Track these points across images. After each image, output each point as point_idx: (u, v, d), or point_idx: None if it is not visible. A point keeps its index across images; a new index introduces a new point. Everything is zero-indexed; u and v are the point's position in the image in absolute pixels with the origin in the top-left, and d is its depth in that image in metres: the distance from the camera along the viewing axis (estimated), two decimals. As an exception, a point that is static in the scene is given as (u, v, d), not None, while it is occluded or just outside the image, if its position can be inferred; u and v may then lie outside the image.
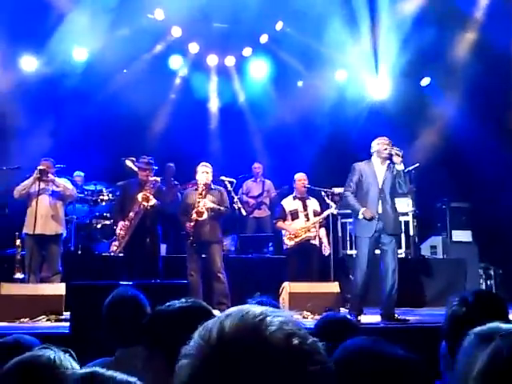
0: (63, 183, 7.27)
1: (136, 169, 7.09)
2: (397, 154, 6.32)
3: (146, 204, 6.84)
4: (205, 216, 6.95)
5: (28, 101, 9.44)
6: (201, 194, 7.04)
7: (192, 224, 6.96)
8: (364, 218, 6.30)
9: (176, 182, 9.62)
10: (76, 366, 1.67)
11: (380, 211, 6.37)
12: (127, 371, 2.63)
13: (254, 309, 0.85)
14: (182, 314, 1.94)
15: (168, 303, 2.03)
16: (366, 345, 1.59)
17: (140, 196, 6.85)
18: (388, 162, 6.45)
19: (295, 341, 0.81)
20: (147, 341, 1.97)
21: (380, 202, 6.39)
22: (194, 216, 6.95)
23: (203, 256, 7.13)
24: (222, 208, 7.15)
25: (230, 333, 0.82)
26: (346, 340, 1.65)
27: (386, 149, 6.37)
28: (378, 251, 6.65)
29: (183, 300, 2.03)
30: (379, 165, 6.48)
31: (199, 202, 7.00)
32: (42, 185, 7.06)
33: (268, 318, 0.83)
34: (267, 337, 0.80)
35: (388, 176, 6.42)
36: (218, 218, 7.20)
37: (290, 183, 8.14)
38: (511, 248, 9.22)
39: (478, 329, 1.26)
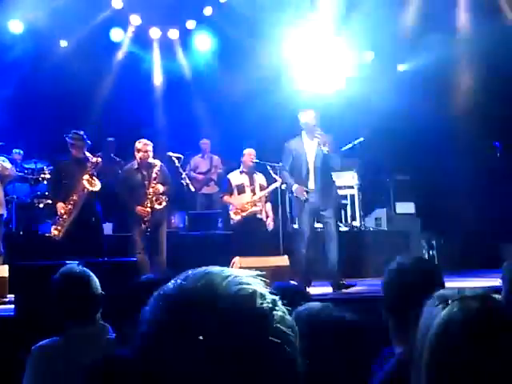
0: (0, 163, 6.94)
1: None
2: (318, 137, 6.36)
3: (90, 188, 6.67)
4: (163, 204, 6.84)
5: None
6: (155, 179, 6.82)
7: (148, 210, 6.78)
8: (302, 198, 6.43)
9: (118, 159, 9.39)
10: None
11: (313, 186, 6.47)
12: (78, 350, 2.58)
13: (212, 269, 0.83)
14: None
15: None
16: (317, 310, 1.63)
17: (85, 180, 6.65)
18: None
19: (258, 300, 0.79)
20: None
21: (312, 177, 6.50)
22: (156, 205, 6.78)
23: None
24: (168, 187, 6.99)
25: (191, 292, 0.80)
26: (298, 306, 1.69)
27: (311, 127, 6.42)
28: (319, 225, 6.82)
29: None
30: (309, 140, 6.55)
31: (153, 187, 6.80)
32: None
33: (229, 278, 0.81)
34: (229, 296, 0.78)
35: (320, 151, 6.47)
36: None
37: (238, 158, 8.10)
38: (452, 219, 9.49)
39: (440, 292, 1.28)
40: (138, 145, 7.04)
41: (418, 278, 2.06)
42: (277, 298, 0.83)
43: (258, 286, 0.82)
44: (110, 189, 7.45)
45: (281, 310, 0.82)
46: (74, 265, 2.95)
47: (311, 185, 6.49)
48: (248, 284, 0.81)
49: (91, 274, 2.82)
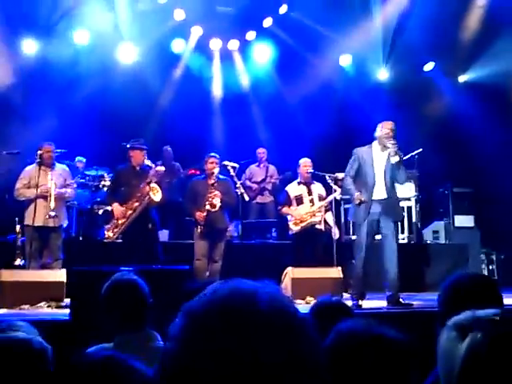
0: (65, 195, 7.18)
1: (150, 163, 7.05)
2: (391, 146, 6.24)
3: (153, 197, 6.82)
4: (217, 207, 7.08)
5: (30, 85, 9.40)
6: (213, 186, 7.11)
7: (204, 214, 7.04)
8: (356, 203, 6.33)
9: (177, 164, 9.63)
10: None
11: (378, 197, 6.35)
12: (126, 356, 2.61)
13: (242, 284, 0.84)
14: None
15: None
16: (358, 327, 1.59)
17: (150, 188, 6.81)
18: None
19: (285, 316, 0.80)
20: None
21: (379, 187, 6.36)
22: (208, 207, 7.05)
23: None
24: (229, 200, 7.28)
25: (217, 307, 0.80)
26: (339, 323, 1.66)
27: (384, 138, 6.30)
28: (378, 236, 6.67)
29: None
30: (379, 151, 6.43)
31: (212, 192, 7.06)
32: (43, 177, 6.97)
33: (257, 294, 0.81)
34: (257, 311, 0.79)
35: (389, 163, 6.36)
36: (225, 208, 7.32)
37: (294, 168, 8.10)
38: (514, 233, 9.19)
39: (453, 319, 1.24)
40: (208, 158, 7.32)
41: (475, 294, 2.02)
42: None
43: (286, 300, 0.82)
44: (167, 196, 7.64)
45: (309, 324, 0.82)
46: (124, 272, 3.00)
47: (377, 195, 6.36)
48: (278, 301, 0.81)
49: (141, 281, 2.85)
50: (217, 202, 7.07)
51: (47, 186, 6.89)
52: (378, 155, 6.43)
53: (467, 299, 1.96)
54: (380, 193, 6.37)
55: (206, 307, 0.81)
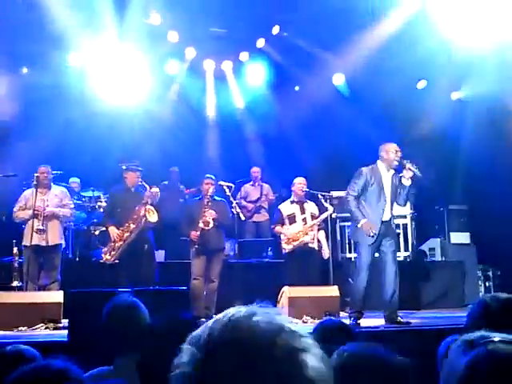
0: (62, 214, 7.17)
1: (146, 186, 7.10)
2: (410, 169, 6.22)
3: (149, 219, 6.86)
4: (211, 225, 7.12)
5: (23, 107, 9.42)
6: (207, 205, 7.15)
7: (198, 233, 7.08)
8: (368, 234, 6.22)
9: (182, 187, 9.70)
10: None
11: (384, 218, 6.34)
12: (126, 380, 2.62)
13: (240, 310, 0.86)
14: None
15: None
16: (360, 351, 1.60)
17: (146, 209, 6.85)
18: (394, 170, 6.40)
19: (283, 336, 0.81)
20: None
21: (388, 209, 6.37)
22: (201, 225, 7.09)
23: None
24: (224, 220, 7.35)
25: (218, 335, 0.82)
26: (342, 345, 1.67)
27: (395, 158, 6.29)
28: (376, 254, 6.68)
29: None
30: (385, 171, 6.42)
31: (205, 211, 7.11)
32: (40, 199, 7.00)
33: (255, 318, 0.83)
34: (253, 335, 0.80)
35: (393, 184, 6.38)
36: (221, 227, 7.38)
37: (289, 187, 8.14)
38: (509, 249, 9.21)
39: (464, 335, 1.27)
40: (204, 180, 7.39)
41: (505, 316, 2.03)
42: (310, 341, 0.84)
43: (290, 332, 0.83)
44: (170, 216, 7.70)
45: (314, 355, 0.83)
46: (124, 295, 3.00)
47: (386, 217, 6.33)
48: (280, 332, 0.82)
49: (140, 305, 2.86)
50: (210, 219, 7.10)
51: (38, 205, 6.91)
52: (385, 175, 6.40)
53: (496, 320, 1.97)
54: (386, 214, 6.37)
55: (207, 345, 0.83)
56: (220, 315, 0.87)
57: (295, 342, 0.82)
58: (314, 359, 0.82)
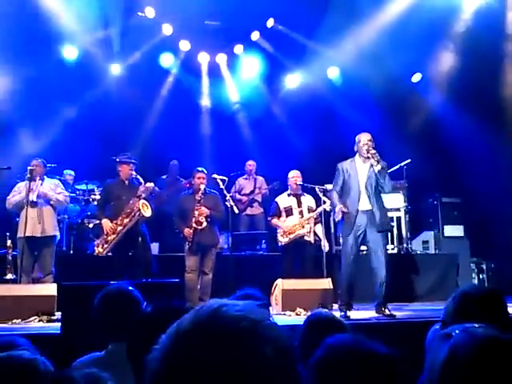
0: (55, 197, 7.13)
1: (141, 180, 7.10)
2: (372, 157, 6.36)
3: (144, 213, 6.86)
4: (204, 225, 7.17)
5: (17, 100, 9.40)
6: (199, 202, 7.17)
7: (191, 231, 7.13)
8: (339, 216, 6.43)
9: (182, 179, 9.70)
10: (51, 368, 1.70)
11: (363, 208, 6.43)
12: (118, 365, 2.63)
13: (208, 304, 0.89)
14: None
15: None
16: (346, 342, 1.61)
17: (140, 203, 6.85)
18: (370, 160, 6.48)
19: (244, 323, 0.84)
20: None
21: (363, 199, 6.46)
22: (194, 225, 7.13)
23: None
24: (217, 214, 7.36)
25: (185, 325, 0.86)
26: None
27: (364, 149, 6.42)
28: (364, 247, 6.76)
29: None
30: (361, 163, 6.54)
31: (198, 209, 7.14)
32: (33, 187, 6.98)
33: (224, 308, 0.86)
34: (217, 324, 0.84)
35: (371, 173, 6.47)
36: (214, 222, 7.40)
37: (282, 180, 8.14)
38: (502, 242, 9.26)
39: (448, 328, 1.29)
40: (196, 173, 7.39)
41: (482, 307, 2.06)
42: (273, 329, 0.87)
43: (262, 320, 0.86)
44: (165, 209, 7.69)
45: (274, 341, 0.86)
46: (121, 283, 3.01)
47: (362, 206, 6.44)
48: (242, 321, 0.85)
49: (135, 292, 2.87)
50: (203, 220, 7.15)
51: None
52: (361, 167, 6.54)
53: (473, 311, 2.00)
54: (365, 204, 6.45)
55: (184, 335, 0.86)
56: (202, 309, 0.90)
57: (257, 330, 0.84)
58: (273, 347, 0.85)
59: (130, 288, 2.90)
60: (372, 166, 6.43)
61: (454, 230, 9.56)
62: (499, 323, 1.60)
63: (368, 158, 6.42)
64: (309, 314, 5.85)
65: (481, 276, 9.36)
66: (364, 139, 6.49)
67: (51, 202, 7.11)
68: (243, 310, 0.86)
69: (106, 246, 6.88)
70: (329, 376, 1.49)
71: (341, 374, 1.47)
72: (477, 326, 1.17)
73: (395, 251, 9.13)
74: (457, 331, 1.16)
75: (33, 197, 6.84)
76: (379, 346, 1.60)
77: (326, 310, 5.88)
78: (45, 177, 7.21)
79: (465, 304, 2.12)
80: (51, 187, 7.17)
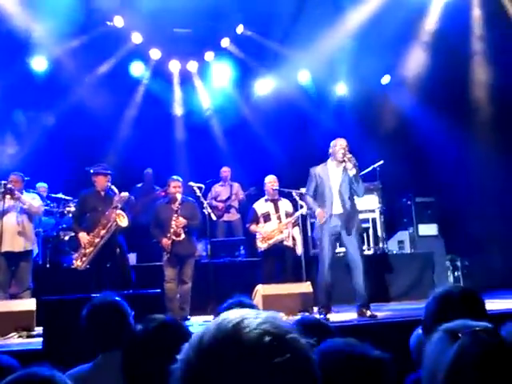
0: (29, 201, 7.06)
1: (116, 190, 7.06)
2: (349, 160, 6.45)
3: (120, 224, 6.82)
4: (182, 236, 7.19)
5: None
6: (176, 212, 7.16)
7: (169, 242, 7.14)
8: (322, 221, 6.52)
9: (157, 188, 9.65)
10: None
11: (336, 211, 6.53)
12: (108, 376, 2.62)
13: (230, 315, 0.89)
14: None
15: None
16: (339, 347, 1.63)
17: (116, 214, 6.81)
18: (343, 164, 6.57)
19: (267, 338, 0.84)
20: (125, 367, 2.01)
21: (336, 203, 6.57)
22: (172, 237, 7.13)
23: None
24: (194, 222, 7.35)
25: (208, 339, 0.86)
26: (320, 342, 1.69)
27: (340, 152, 6.50)
28: (341, 249, 6.84)
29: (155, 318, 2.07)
30: (334, 167, 6.63)
31: (175, 220, 7.14)
32: (9, 202, 6.92)
33: (245, 321, 0.87)
34: (241, 339, 0.84)
35: (345, 177, 6.56)
36: (192, 231, 7.42)
37: (258, 185, 8.16)
38: (475, 238, 9.42)
39: (445, 325, 1.32)
40: (171, 182, 7.37)
41: (462, 307, 2.09)
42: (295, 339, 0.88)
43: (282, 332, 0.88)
44: (144, 219, 7.66)
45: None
46: (107, 294, 3.01)
47: (335, 210, 6.53)
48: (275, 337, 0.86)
49: (123, 303, 2.87)
50: (181, 232, 7.17)
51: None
52: (334, 171, 6.64)
53: (454, 311, 2.04)
54: (337, 208, 6.56)
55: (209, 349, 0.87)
56: (212, 322, 0.91)
57: (281, 345, 0.85)
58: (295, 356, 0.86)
59: (118, 299, 2.90)
60: (346, 170, 6.52)
61: (428, 229, 9.69)
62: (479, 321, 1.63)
63: (342, 161, 6.51)
64: (291, 318, 5.89)
65: (456, 273, 9.50)
66: (340, 144, 6.58)
67: (33, 210, 7.05)
68: (266, 323, 0.87)
69: (84, 258, 6.82)
70: (324, 382, 1.51)
71: (336, 380, 1.49)
72: (480, 325, 1.20)
73: (371, 252, 9.21)
74: (461, 332, 1.18)
75: (15, 208, 6.79)
76: (371, 349, 1.63)
77: (309, 314, 5.95)
78: (23, 191, 7.14)
79: (446, 304, 2.17)
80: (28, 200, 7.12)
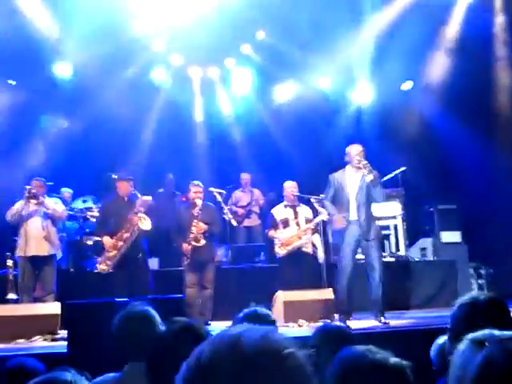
0: (52, 206, 7.15)
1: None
2: (364, 167, 6.44)
3: (142, 227, 6.89)
4: (202, 242, 7.21)
5: (12, 118, 9.41)
6: (196, 218, 7.19)
7: (189, 247, 7.18)
8: (343, 225, 6.53)
9: (178, 193, 9.71)
10: None
11: (355, 218, 6.51)
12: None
13: (228, 332, 0.90)
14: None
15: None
16: (359, 354, 1.64)
17: (139, 218, 6.88)
18: (361, 170, 6.56)
19: (264, 354, 0.86)
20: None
21: (353, 208, 6.56)
22: (193, 242, 7.18)
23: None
24: (214, 228, 7.41)
25: (205, 357, 0.87)
26: (341, 349, 1.70)
27: (356, 159, 6.51)
28: (362, 256, 6.82)
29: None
30: (352, 173, 6.63)
31: (195, 225, 7.17)
32: (33, 206, 7.02)
33: (242, 338, 0.88)
34: (238, 356, 0.85)
35: (363, 184, 6.54)
36: (212, 237, 7.44)
37: (277, 191, 8.16)
38: (499, 246, 9.30)
39: (471, 335, 1.32)
40: (191, 187, 7.42)
41: (490, 315, 2.08)
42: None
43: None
44: (165, 224, 7.75)
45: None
46: (137, 302, 3.02)
47: (352, 216, 6.53)
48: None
49: (152, 312, 2.87)
50: (201, 237, 7.20)
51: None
52: (351, 178, 6.65)
53: (481, 319, 2.02)
54: (355, 214, 6.54)
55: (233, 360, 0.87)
56: (215, 336, 0.93)
57: (278, 363, 0.87)
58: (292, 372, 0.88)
59: (149, 308, 2.90)
60: (363, 176, 6.51)
61: (451, 236, 9.57)
62: (505, 329, 1.63)
63: (359, 168, 6.50)
64: (312, 325, 5.87)
65: (480, 281, 9.38)
66: (355, 150, 6.59)
67: (56, 215, 7.15)
68: (263, 338, 0.88)
69: (108, 262, 6.90)
70: None
71: None
72: (506, 335, 1.20)
73: (393, 259, 9.15)
74: (488, 341, 1.18)
75: (39, 213, 6.88)
76: (391, 356, 1.63)
77: (330, 321, 5.93)
78: (45, 195, 7.23)
79: (473, 312, 2.15)
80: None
